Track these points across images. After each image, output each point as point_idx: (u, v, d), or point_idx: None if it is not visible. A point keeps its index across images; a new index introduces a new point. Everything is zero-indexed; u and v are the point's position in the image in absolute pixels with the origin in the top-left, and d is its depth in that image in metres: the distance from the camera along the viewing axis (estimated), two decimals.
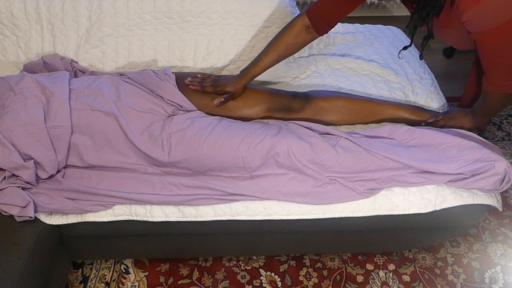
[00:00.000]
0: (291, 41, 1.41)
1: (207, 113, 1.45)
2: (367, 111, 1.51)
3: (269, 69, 1.67)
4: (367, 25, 2.01)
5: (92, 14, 1.64)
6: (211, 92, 1.47)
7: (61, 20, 1.65)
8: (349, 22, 2.04)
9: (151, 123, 1.36)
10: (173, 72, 1.52)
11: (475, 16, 1.10)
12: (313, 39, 1.42)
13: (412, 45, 1.91)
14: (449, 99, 1.72)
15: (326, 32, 1.41)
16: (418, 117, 1.51)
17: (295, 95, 1.50)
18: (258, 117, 1.48)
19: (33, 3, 1.64)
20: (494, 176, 1.27)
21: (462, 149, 1.31)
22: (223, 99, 1.44)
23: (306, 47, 1.78)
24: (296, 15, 1.43)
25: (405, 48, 1.38)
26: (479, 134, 1.39)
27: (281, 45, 1.42)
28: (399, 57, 1.60)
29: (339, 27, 1.98)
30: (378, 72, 1.72)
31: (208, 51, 1.68)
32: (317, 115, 1.49)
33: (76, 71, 1.61)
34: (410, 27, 1.25)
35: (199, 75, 1.51)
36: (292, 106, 1.48)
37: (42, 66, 1.59)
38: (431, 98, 1.61)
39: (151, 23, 1.66)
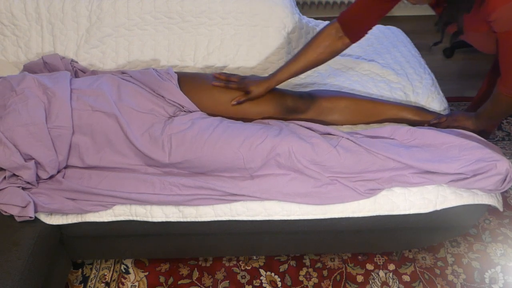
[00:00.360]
0: (321, 48, 1.38)
1: (209, 114, 1.44)
2: (370, 112, 1.51)
3: (270, 69, 1.68)
4: None
5: (92, 14, 1.64)
6: (235, 89, 1.45)
7: (61, 20, 1.65)
8: None
9: (152, 124, 1.36)
10: (180, 73, 1.52)
11: (504, 14, 1.10)
12: (344, 45, 1.39)
13: (412, 45, 1.92)
14: (449, 99, 1.72)
15: (359, 38, 1.38)
16: (421, 118, 1.50)
17: (301, 96, 1.50)
18: (263, 117, 1.47)
19: (33, 3, 1.64)
20: (496, 176, 1.27)
21: (464, 149, 1.31)
22: (241, 99, 1.43)
23: None
24: (329, 22, 1.41)
25: (435, 44, 1.33)
26: (484, 137, 1.38)
27: (311, 53, 1.39)
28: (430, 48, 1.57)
29: None
30: (378, 72, 1.72)
31: (208, 51, 1.68)
32: (321, 115, 1.49)
33: (76, 71, 1.61)
34: (439, 24, 1.22)
35: (222, 74, 1.50)
36: (298, 107, 1.48)
37: (42, 66, 1.59)
38: (432, 98, 1.61)
39: (151, 23, 1.66)
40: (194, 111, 1.44)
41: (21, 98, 1.31)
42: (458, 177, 1.30)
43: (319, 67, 1.74)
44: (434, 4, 1.29)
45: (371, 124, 1.52)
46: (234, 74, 1.51)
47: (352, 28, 1.35)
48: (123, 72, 1.53)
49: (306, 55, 1.40)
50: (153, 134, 1.33)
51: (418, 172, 1.31)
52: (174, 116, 1.41)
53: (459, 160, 1.28)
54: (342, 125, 1.52)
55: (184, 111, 1.44)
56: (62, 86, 1.37)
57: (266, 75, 1.68)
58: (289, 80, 1.69)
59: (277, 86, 1.48)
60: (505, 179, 1.28)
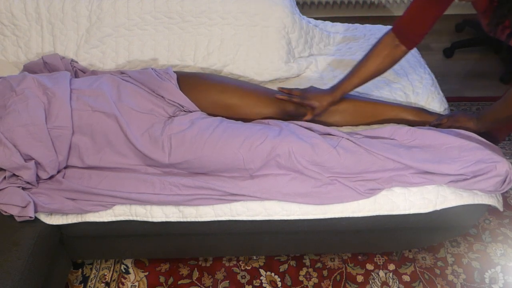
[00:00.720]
0: (381, 59, 1.39)
1: (209, 114, 1.44)
2: (370, 113, 1.51)
3: (270, 69, 1.68)
4: (367, 25, 2.01)
5: (92, 14, 1.64)
6: (297, 102, 1.46)
7: (61, 20, 1.65)
8: (349, 22, 2.04)
9: (152, 124, 1.36)
10: (179, 73, 1.52)
11: None
12: (403, 53, 1.39)
13: None
14: (449, 99, 1.72)
15: (415, 45, 1.38)
16: (421, 119, 1.50)
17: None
18: (262, 115, 1.47)
19: (33, 3, 1.64)
20: (496, 177, 1.27)
21: (464, 150, 1.30)
22: (308, 119, 1.45)
23: (306, 47, 1.78)
24: (384, 32, 1.41)
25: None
26: (494, 143, 1.38)
27: (371, 64, 1.40)
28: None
29: (339, 27, 1.98)
30: None
31: (208, 51, 1.68)
32: (322, 117, 1.49)
33: (76, 71, 1.61)
34: (491, 25, 1.20)
35: (286, 88, 1.51)
36: (299, 113, 1.48)
37: (42, 66, 1.59)
38: (432, 98, 1.61)
39: (151, 23, 1.66)
40: (194, 111, 1.44)
41: (21, 98, 1.31)
42: (458, 178, 1.30)
43: (319, 67, 1.74)
44: (483, 10, 1.27)
45: (372, 125, 1.52)
46: (296, 88, 1.51)
47: (407, 35, 1.36)
48: (122, 73, 1.53)
49: (366, 66, 1.41)
50: (153, 134, 1.33)
51: (418, 172, 1.31)
52: (174, 116, 1.41)
53: (459, 161, 1.28)
54: (343, 126, 1.52)
55: (184, 111, 1.44)
56: (62, 86, 1.37)
57: (266, 75, 1.67)
58: (290, 79, 1.69)
59: (277, 83, 1.47)
60: (504, 181, 1.28)
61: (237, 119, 1.45)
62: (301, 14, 1.82)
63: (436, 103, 1.60)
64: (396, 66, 1.74)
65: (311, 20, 1.93)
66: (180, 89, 1.44)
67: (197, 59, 1.69)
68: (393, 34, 1.37)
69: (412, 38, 1.36)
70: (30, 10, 1.64)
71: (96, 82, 1.42)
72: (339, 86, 1.44)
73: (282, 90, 1.50)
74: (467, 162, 1.28)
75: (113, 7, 1.64)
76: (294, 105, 1.48)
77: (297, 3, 2.84)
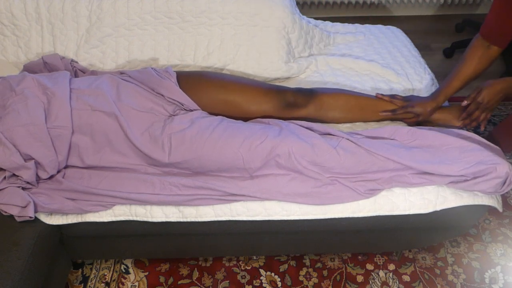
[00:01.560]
0: (477, 60, 1.41)
1: (208, 112, 1.44)
2: (369, 108, 1.52)
3: (270, 69, 1.68)
4: (367, 25, 2.01)
5: (92, 14, 1.64)
6: (401, 108, 1.48)
7: (61, 20, 1.65)
8: (349, 22, 2.04)
9: (152, 123, 1.36)
10: (178, 71, 1.52)
11: None
12: (497, 52, 1.40)
13: (412, 45, 1.92)
14: (449, 99, 1.71)
15: (508, 41, 1.38)
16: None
17: (300, 91, 1.50)
18: (265, 114, 1.47)
19: (33, 3, 1.64)
20: (496, 179, 1.26)
21: (464, 150, 1.30)
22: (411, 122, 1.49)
23: (306, 47, 1.78)
24: (474, 37, 1.42)
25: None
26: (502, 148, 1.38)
27: (468, 66, 1.42)
28: None
29: (339, 27, 1.98)
30: (378, 72, 1.72)
31: (208, 51, 1.68)
32: (320, 111, 1.49)
33: (76, 71, 1.61)
34: None
35: (386, 96, 1.53)
36: (297, 101, 1.48)
37: (42, 66, 1.59)
38: None
39: (151, 23, 1.66)
40: (194, 109, 1.44)
41: (21, 98, 1.31)
42: (458, 179, 1.30)
43: (319, 67, 1.74)
44: None
45: (371, 124, 1.52)
46: (396, 95, 1.54)
47: (496, 36, 1.37)
48: (121, 73, 1.53)
49: (465, 69, 1.43)
50: (153, 133, 1.33)
51: (418, 173, 1.31)
52: (174, 115, 1.41)
53: (459, 162, 1.28)
54: (341, 122, 1.52)
55: (184, 109, 1.44)
56: (61, 86, 1.37)
57: (267, 75, 1.67)
58: (290, 79, 1.70)
59: (277, 83, 1.47)
60: (504, 182, 1.28)
61: (237, 115, 1.45)
62: (301, 14, 1.82)
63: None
64: (396, 66, 1.75)
65: (311, 20, 1.93)
66: (180, 88, 1.44)
67: (197, 59, 1.69)
68: (481, 39, 1.39)
69: (503, 38, 1.37)
70: (30, 10, 1.64)
71: (95, 82, 1.42)
72: (441, 91, 1.47)
73: (381, 98, 1.52)
74: (467, 163, 1.28)
75: (113, 7, 1.64)
76: (292, 95, 1.48)
77: (297, 3, 2.84)
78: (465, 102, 1.43)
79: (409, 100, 1.50)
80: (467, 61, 1.42)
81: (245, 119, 1.46)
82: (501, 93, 1.36)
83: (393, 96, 1.53)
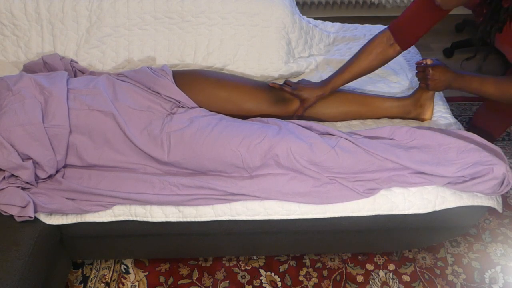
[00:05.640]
0: (373, 54, 1.41)
1: (206, 109, 1.45)
2: (360, 101, 1.53)
3: (269, 69, 1.68)
4: (367, 25, 2.01)
5: (92, 14, 1.64)
6: (288, 92, 1.49)
7: (61, 20, 1.65)
8: (349, 22, 2.04)
9: (150, 122, 1.36)
10: (174, 70, 1.52)
11: None
12: (396, 52, 1.41)
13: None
14: (449, 99, 1.72)
15: (410, 46, 1.40)
16: (404, 104, 1.53)
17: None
18: (258, 110, 1.48)
19: (33, 3, 1.64)
20: (493, 180, 1.26)
21: (462, 151, 1.30)
22: (300, 113, 1.48)
23: (306, 47, 1.78)
24: (381, 30, 1.43)
25: (467, 59, 1.35)
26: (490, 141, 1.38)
27: (363, 60, 1.42)
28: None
29: (339, 27, 1.98)
30: (378, 72, 1.71)
31: (208, 51, 1.68)
32: (314, 107, 1.50)
33: (76, 71, 1.61)
34: (475, 39, 1.25)
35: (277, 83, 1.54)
36: (286, 95, 1.49)
37: (42, 66, 1.59)
38: None
39: (151, 23, 1.66)
40: (192, 107, 1.44)
41: (17, 98, 1.31)
42: (457, 180, 1.30)
43: (319, 68, 1.74)
44: (477, 12, 1.29)
45: (370, 124, 1.52)
46: (288, 80, 1.55)
47: (403, 35, 1.37)
48: (118, 74, 1.53)
49: (358, 62, 1.43)
50: (152, 132, 1.33)
51: (416, 172, 1.31)
52: (172, 113, 1.41)
53: (456, 163, 1.28)
54: (337, 120, 1.53)
55: (182, 106, 1.44)
56: (59, 85, 1.37)
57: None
58: (290, 79, 1.69)
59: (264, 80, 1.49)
60: (502, 183, 1.28)
61: (232, 112, 1.46)
62: (301, 14, 1.82)
63: (436, 103, 1.60)
64: (396, 66, 1.75)
65: (311, 20, 1.93)
66: (176, 85, 1.44)
67: (197, 59, 1.69)
68: (389, 33, 1.39)
69: (408, 39, 1.38)
70: (30, 10, 1.64)
71: (92, 82, 1.42)
72: (330, 81, 1.47)
73: (273, 85, 1.52)
74: (465, 164, 1.28)
75: (113, 7, 1.64)
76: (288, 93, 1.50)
77: (297, 3, 2.84)
78: (419, 61, 1.44)
79: (299, 84, 1.50)
80: (364, 55, 1.42)
81: (241, 115, 1.47)
82: (446, 82, 1.38)
83: (285, 82, 1.53)
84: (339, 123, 1.53)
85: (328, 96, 1.50)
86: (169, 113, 1.41)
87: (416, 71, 1.46)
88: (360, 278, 1.62)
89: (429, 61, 1.41)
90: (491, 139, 1.43)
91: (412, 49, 1.87)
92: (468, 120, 1.67)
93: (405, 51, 1.84)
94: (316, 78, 1.69)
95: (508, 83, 1.27)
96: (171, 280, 1.61)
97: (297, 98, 1.48)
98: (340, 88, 1.56)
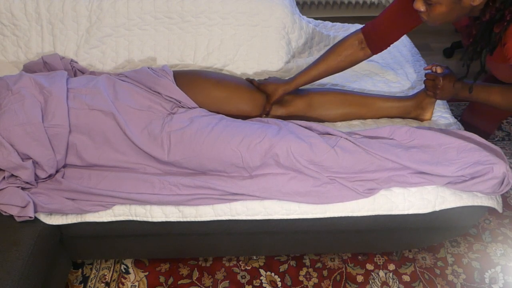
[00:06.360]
0: (342, 56, 1.40)
1: (206, 109, 1.45)
2: (360, 102, 1.53)
3: (269, 70, 1.68)
4: None
5: (92, 14, 1.64)
6: (256, 85, 1.50)
7: (61, 20, 1.65)
8: (349, 22, 2.04)
9: (150, 121, 1.36)
10: (174, 70, 1.52)
11: None
12: (366, 56, 1.41)
13: (412, 45, 1.92)
14: (449, 99, 1.71)
15: (381, 50, 1.40)
16: (403, 103, 1.53)
17: None
18: (258, 110, 1.49)
19: (33, 3, 1.64)
20: (493, 179, 1.26)
21: (462, 151, 1.30)
22: (267, 109, 1.47)
23: (306, 47, 1.78)
24: (353, 31, 1.42)
25: (461, 78, 1.34)
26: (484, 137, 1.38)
27: (332, 58, 1.42)
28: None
29: (339, 27, 1.98)
30: (378, 72, 1.72)
31: (208, 51, 1.68)
32: (311, 107, 1.50)
33: (75, 71, 1.61)
34: (464, 59, 1.24)
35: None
36: (285, 97, 1.49)
37: (42, 66, 1.59)
38: None
39: (151, 23, 1.66)
40: (192, 107, 1.44)
41: (17, 97, 1.31)
42: (456, 179, 1.30)
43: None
44: (465, 32, 1.30)
45: (370, 124, 1.52)
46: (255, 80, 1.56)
47: (375, 40, 1.37)
48: (118, 74, 1.53)
49: (327, 62, 1.42)
50: (152, 131, 1.33)
51: (416, 172, 1.31)
52: (172, 112, 1.41)
53: (456, 163, 1.28)
54: (336, 120, 1.53)
55: (182, 106, 1.44)
56: (58, 85, 1.37)
57: (266, 75, 1.68)
58: None
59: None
60: (502, 182, 1.28)
61: (231, 112, 1.46)
62: (301, 14, 1.82)
63: (436, 102, 1.60)
64: (396, 66, 1.75)
65: (311, 20, 1.93)
66: (177, 85, 1.44)
67: (197, 59, 1.69)
68: (361, 36, 1.38)
69: (380, 45, 1.38)
70: (30, 10, 1.64)
71: (92, 81, 1.42)
72: (296, 77, 1.47)
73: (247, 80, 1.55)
74: (465, 164, 1.28)
75: (113, 7, 1.64)
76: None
77: (297, 3, 2.84)
78: (428, 67, 1.42)
79: (266, 80, 1.51)
80: (333, 55, 1.41)
81: (240, 116, 1.47)
82: (453, 92, 1.37)
83: (252, 79, 1.55)
84: (339, 123, 1.53)
85: (328, 98, 1.50)
86: (169, 113, 1.41)
87: (425, 78, 1.44)
88: (360, 278, 1.62)
89: (439, 70, 1.38)
90: (485, 136, 1.43)
91: (412, 49, 1.87)
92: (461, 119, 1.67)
93: (405, 51, 1.85)
94: None
95: None
96: (171, 280, 1.61)
97: (263, 91, 1.49)
98: (339, 89, 1.56)
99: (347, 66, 1.43)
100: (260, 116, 1.49)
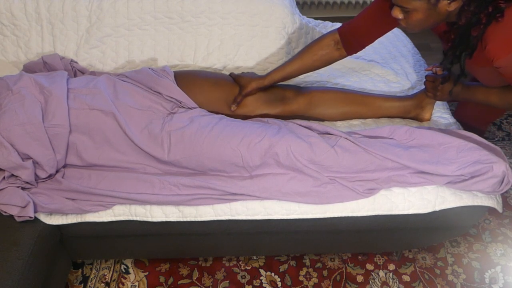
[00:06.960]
0: (317, 55, 1.41)
1: (206, 109, 1.45)
2: (360, 101, 1.53)
3: (269, 69, 1.68)
4: None
5: (92, 14, 1.65)
6: (233, 77, 1.51)
7: (61, 20, 1.65)
8: None
9: (151, 121, 1.36)
10: (174, 71, 1.53)
11: (508, 63, 1.12)
12: (341, 56, 1.42)
13: (412, 45, 1.92)
14: (448, 100, 1.71)
15: (356, 52, 1.41)
16: (403, 103, 1.53)
17: (288, 86, 1.54)
18: (256, 110, 1.49)
19: (33, 3, 1.64)
20: (492, 178, 1.26)
21: (461, 150, 1.30)
22: (238, 99, 1.46)
23: None
24: (330, 31, 1.43)
25: (442, 82, 1.36)
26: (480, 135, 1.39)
27: (307, 57, 1.43)
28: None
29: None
30: (378, 72, 1.72)
31: (208, 51, 1.68)
32: (311, 105, 1.50)
33: (75, 71, 1.61)
34: (444, 64, 1.26)
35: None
36: (286, 95, 1.50)
37: (42, 66, 1.59)
38: None
39: (151, 23, 1.66)
40: (192, 107, 1.44)
41: (17, 97, 1.31)
42: (456, 178, 1.30)
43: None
44: (444, 38, 1.31)
45: (369, 124, 1.52)
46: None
47: (351, 42, 1.38)
48: (119, 74, 1.53)
49: (302, 60, 1.44)
50: (153, 131, 1.33)
51: (416, 172, 1.31)
52: (172, 112, 1.41)
53: (456, 162, 1.28)
54: (336, 119, 1.53)
55: (183, 106, 1.45)
56: (59, 85, 1.37)
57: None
58: (287, 82, 1.69)
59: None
60: (502, 181, 1.28)
61: (233, 114, 1.46)
62: (301, 14, 1.82)
63: (435, 103, 1.60)
64: (396, 66, 1.75)
65: (311, 20, 1.93)
66: (178, 86, 1.45)
67: (197, 59, 1.69)
68: (338, 37, 1.39)
69: (355, 47, 1.40)
70: (30, 10, 1.64)
71: (92, 81, 1.42)
72: (271, 73, 1.48)
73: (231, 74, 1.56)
74: (465, 163, 1.28)
75: (113, 7, 1.64)
76: (282, 89, 1.52)
77: (297, 3, 2.84)
78: (429, 69, 1.43)
79: (244, 73, 1.53)
80: (309, 54, 1.42)
81: (240, 115, 1.47)
82: (453, 94, 1.38)
83: (230, 74, 1.55)
84: (339, 123, 1.53)
85: (329, 96, 1.50)
86: (169, 112, 1.41)
87: (425, 79, 1.45)
88: (360, 278, 1.63)
89: (439, 71, 1.39)
90: (479, 133, 1.44)
91: (412, 49, 1.87)
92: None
93: (404, 51, 1.85)
94: (315, 78, 1.70)
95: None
96: (171, 280, 1.61)
97: (237, 84, 1.49)
98: (340, 88, 1.56)
99: (321, 65, 1.45)
100: (229, 107, 1.48)
